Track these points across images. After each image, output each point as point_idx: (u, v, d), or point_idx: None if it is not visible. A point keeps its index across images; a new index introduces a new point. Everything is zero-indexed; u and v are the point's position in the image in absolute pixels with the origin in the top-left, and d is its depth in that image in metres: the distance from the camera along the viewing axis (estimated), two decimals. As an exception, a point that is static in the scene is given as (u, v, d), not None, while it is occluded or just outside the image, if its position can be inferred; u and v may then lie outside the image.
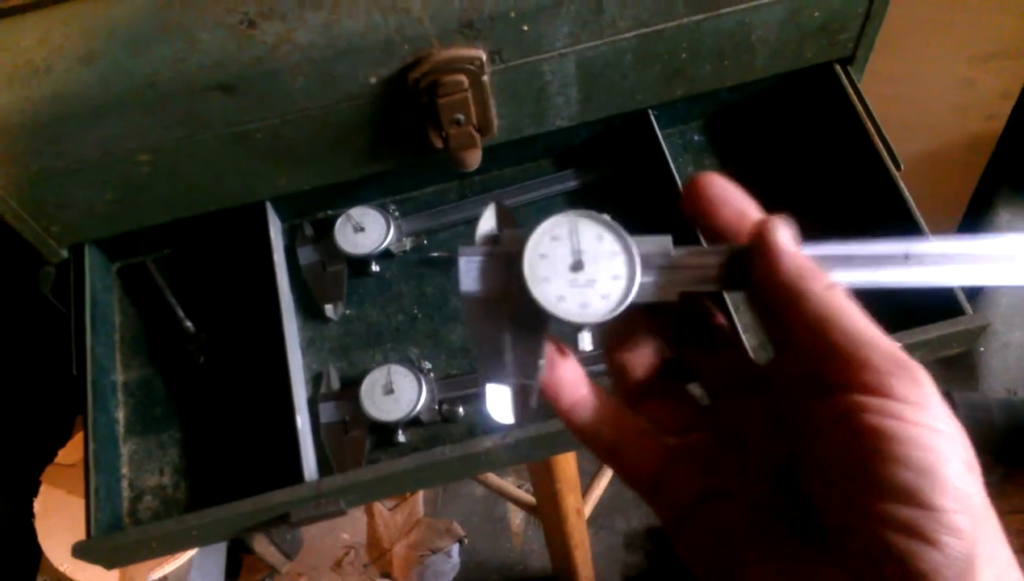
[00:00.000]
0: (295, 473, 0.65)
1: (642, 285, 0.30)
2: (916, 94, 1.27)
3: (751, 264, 0.29)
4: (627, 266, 0.30)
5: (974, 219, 1.52)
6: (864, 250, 0.30)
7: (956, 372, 1.57)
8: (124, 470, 0.71)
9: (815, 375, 0.27)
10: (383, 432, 0.70)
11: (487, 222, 0.32)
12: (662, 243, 0.31)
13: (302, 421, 0.67)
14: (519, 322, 0.31)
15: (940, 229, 1.35)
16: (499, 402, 0.30)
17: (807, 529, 0.28)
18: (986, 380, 1.57)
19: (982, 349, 1.60)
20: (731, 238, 0.30)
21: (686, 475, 0.30)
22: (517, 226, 0.32)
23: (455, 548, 1.60)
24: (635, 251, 0.30)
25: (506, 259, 0.31)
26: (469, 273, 0.31)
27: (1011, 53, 1.22)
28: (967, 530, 0.25)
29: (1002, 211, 1.61)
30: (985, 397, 1.46)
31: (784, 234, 0.29)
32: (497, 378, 0.30)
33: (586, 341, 0.31)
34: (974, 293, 1.52)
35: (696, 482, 0.30)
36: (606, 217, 0.31)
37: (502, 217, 0.32)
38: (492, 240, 0.32)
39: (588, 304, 0.30)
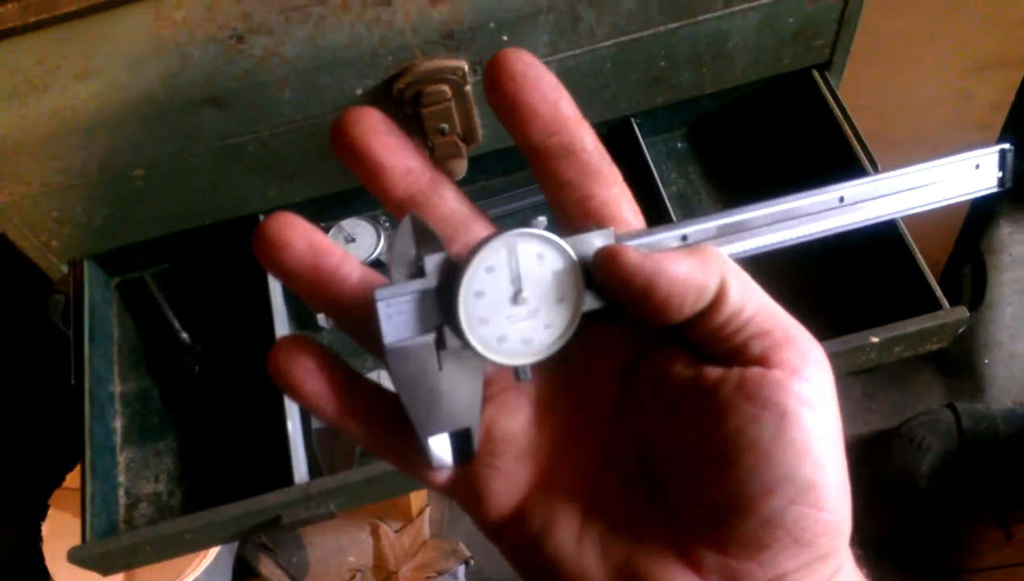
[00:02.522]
0: (287, 478, 0.66)
1: (589, 295, 0.27)
2: (910, 106, 1.28)
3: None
4: (572, 285, 0.27)
5: (974, 232, 1.52)
6: (801, 203, 0.30)
7: (961, 384, 1.56)
8: (120, 478, 0.72)
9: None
10: (375, 438, 0.71)
11: (404, 244, 0.27)
12: (605, 239, 0.27)
13: (293, 427, 0.68)
14: (454, 362, 0.27)
15: (940, 242, 1.35)
16: (441, 450, 0.28)
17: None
18: (991, 392, 1.55)
19: (987, 361, 1.59)
20: (542, 132, 0.28)
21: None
22: (441, 242, 0.27)
23: (461, 569, 1.59)
24: (578, 262, 0.27)
25: (434, 295, 0.26)
26: (392, 320, 0.26)
27: (1003, 63, 1.22)
28: (843, 534, 0.24)
29: (1003, 222, 1.61)
30: (989, 408, 1.45)
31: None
32: (438, 428, 0.27)
33: (527, 372, 0.27)
34: (975, 304, 1.52)
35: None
36: (542, 229, 0.26)
37: (421, 235, 0.27)
38: (412, 266, 0.27)
39: (531, 339, 0.27)
